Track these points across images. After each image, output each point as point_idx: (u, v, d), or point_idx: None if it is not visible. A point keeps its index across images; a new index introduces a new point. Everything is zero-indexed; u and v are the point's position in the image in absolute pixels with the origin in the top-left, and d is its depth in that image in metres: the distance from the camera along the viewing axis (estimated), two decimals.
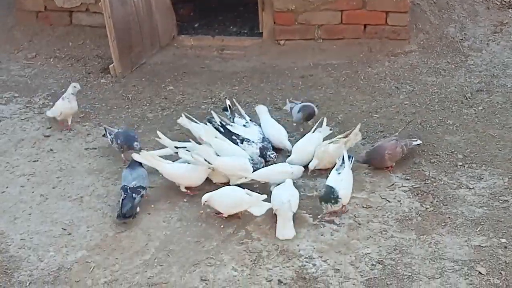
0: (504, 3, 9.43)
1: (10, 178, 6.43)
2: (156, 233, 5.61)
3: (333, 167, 5.97)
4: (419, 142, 6.58)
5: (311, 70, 8.49)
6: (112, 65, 8.45)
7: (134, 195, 5.75)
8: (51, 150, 6.90)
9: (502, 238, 5.39)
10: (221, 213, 5.73)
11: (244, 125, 6.82)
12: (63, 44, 9.35)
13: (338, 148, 6.21)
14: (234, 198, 5.73)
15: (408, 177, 6.22)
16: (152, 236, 5.58)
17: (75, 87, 7.28)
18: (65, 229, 5.72)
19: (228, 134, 6.51)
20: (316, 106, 7.08)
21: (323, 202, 5.56)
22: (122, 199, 5.74)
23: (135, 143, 6.37)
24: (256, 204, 5.66)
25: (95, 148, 6.89)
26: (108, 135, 6.66)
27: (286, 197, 5.58)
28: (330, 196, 5.53)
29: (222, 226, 5.65)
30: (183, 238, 5.53)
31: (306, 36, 8.94)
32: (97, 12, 9.02)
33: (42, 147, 6.97)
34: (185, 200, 6.02)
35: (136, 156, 6.03)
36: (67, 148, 6.94)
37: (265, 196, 5.74)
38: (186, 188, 6.04)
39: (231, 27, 9.87)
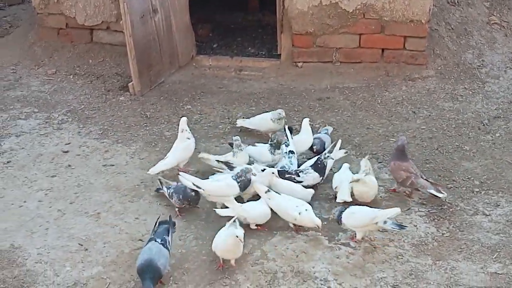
0: None
1: (28, 193, 6.48)
2: (171, 251, 5.61)
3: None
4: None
5: (328, 92, 8.53)
6: (131, 83, 8.54)
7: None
8: (69, 166, 6.95)
9: None
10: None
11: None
12: (83, 61, 9.46)
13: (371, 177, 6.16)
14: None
15: (425, 202, 6.21)
16: None
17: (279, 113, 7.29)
18: (81, 245, 5.75)
19: (283, 175, 6.31)
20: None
21: None
22: None
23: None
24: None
25: (113, 165, 6.93)
26: (165, 188, 6.21)
27: None
28: None
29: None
30: (199, 257, 5.54)
31: (324, 59, 9.00)
32: (118, 30, 9.13)
33: (60, 162, 7.03)
34: (201, 219, 6.05)
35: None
36: (85, 164, 6.99)
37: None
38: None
39: (249, 48, 9.98)
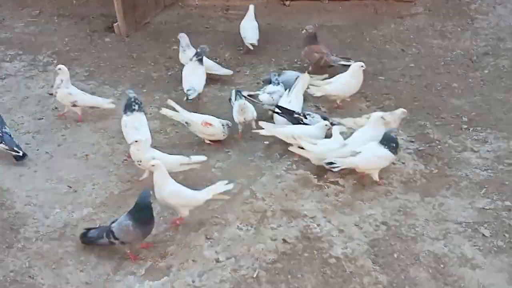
0: None
1: (15, 136, 6.38)
2: None
3: None
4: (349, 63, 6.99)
5: (317, 31, 8.40)
6: (116, 23, 8.41)
7: None
8: (56, 108, 6.88)
9: (506, 201, 5.41)
10: None
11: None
12: (67, 2, 9.30)
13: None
14: None
15: (413, 140, 6.22)
16: None
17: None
18: (70, 187, 5.74)
19: (289, 114, 6.27)
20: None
21: None
22: None
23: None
24: None
25: (99, 108, 6.85)
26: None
27: None
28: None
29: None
30: None
31: None
32: None
33: (47, 105, 6.96)
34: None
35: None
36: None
37: None
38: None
39: None
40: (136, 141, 5.56)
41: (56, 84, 6.61)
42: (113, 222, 4.95)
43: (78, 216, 5.39)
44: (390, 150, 5.50)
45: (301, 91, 6.53)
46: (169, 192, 5.15)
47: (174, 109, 6.26)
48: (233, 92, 6.55)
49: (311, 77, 6.82)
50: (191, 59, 6.92)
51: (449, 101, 6.85)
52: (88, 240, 5.04)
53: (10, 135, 6.11)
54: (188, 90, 6.68)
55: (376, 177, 5.59)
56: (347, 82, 6.68)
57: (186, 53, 7.28)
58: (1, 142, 5.98)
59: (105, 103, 6.68)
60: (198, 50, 6.94)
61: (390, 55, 7.83)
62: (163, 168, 5.19)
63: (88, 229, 5.09)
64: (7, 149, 5.99)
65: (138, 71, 7.65)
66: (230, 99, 6.58)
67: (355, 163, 5.57)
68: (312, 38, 7.34)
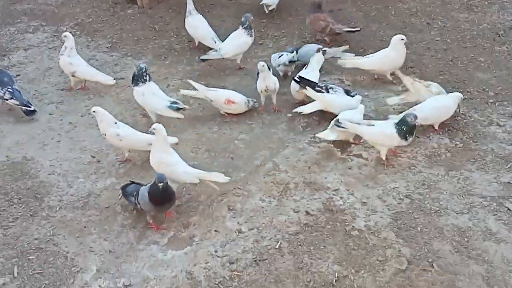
0: None
1: (38, 106, 6.44)
2: None
3: None
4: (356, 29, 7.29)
5: (340, 4, 8.34)
6: None
7: None
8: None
9: None
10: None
11: None
12: None
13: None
14: None
15: None
16: None
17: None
18: (94, 157, 5.76)
19: (311, 87, 6.16)
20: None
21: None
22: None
23: None
24: None
25: (123, 78, 6.86)
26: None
27: None
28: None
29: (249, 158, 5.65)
30: (211, 168, 5.50)
31: None
32: None
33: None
34: (212, 131, 6.03)
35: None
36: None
37: None
38: None
39: None
40: (94, 111, 5.58)
41: (61, 51, 6.68)
42: (146, 184, 4.97)
43: (101, 186, 5.41)
44: (398, 132, 5.36)
45: (317, 67, 6.46)
46: (155, 161, 5.19)
47: (194, 88, 6.24)
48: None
49: (329, 47, 6.91)
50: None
51: (475, 75, 6.76)
52: (124, 193, 5.11)
53: (19, 92, 6.30)
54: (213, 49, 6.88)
55: (383, 155, 5.51)
56: (385, 55, 6.52)
57: (188, 18, 7.36)
58: (12, 98, 6.20)
59: (105, 79, 6.65)
60: (243, 19, 6.96)
61: (415, 29, 7.72)
62: (163, 134, 5.16)
63: (132, 182, 5.17)
64: (17, 105, 6.21)
65: (161, 43, 7.63)
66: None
67: (361, 131, 5.52)
68: (317, 8, 7.44)
